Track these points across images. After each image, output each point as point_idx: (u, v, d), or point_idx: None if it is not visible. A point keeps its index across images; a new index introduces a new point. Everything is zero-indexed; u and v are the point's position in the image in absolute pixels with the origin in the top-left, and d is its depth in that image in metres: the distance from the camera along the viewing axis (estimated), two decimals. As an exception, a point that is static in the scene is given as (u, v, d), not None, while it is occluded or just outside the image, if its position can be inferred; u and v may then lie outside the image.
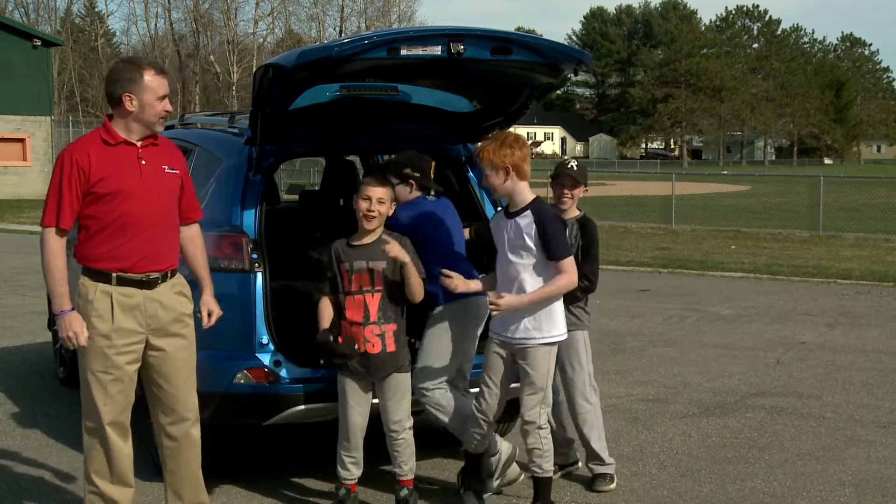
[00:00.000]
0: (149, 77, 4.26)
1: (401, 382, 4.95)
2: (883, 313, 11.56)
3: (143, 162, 4.30)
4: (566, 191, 5.35)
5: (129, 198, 4.23)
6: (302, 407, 5.11)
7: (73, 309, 4.24)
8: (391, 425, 4.96)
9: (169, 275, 4.40)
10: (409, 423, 4.99)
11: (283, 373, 5.12)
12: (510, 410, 5.54)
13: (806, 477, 5.70)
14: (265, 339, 5.13)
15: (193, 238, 4.59)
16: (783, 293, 13.15)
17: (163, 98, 4.30)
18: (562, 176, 5.38)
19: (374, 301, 4.80)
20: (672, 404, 7.37)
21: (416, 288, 4.81)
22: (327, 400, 5.14)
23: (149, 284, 4.32)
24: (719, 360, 8.88)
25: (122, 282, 4.28)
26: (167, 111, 4.32)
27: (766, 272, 15.30)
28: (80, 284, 4.32)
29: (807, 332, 10.31)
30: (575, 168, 5.41)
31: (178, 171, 4.44)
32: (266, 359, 5.11)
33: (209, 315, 4.56)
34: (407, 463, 5.02)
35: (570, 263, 4.72)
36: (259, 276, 5.15)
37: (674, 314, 11.32)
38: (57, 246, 4.23)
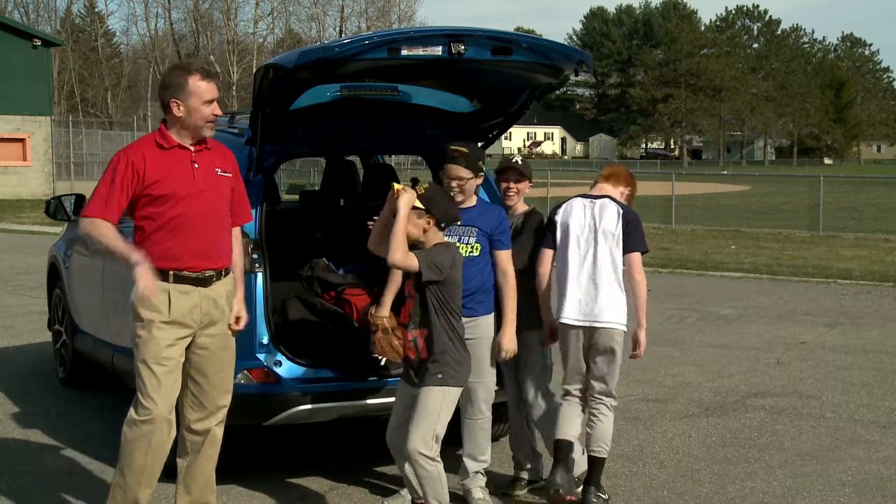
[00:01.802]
0: (194, 81, 4.33)
1: (422, 399, 4.56)
2: (883, 313, 11.55)
3: (197, 165, 4.40)
4: (511, 185, 5.40)
5: (182, 200, 4.33)
6: (303, 407, 5.11)
7: (145, 259, 4.25)
8: (406, 446, 4.55)
9: (223, 273, 4.50)
10: (425, 449, 4.49)
11: (284, 373, 5.12)
12: (505, 413, 5.56)
13: (806, 477, 5.70)
14: (266, 340, 5.14)
15: (236, 241, 4.69)
16: (783, 293, 13.15)
17: (210, 102, 4.35)
18: (507, 170, 5.43)
19: (410, 306, 4.72)
20: (672, 404, 7.37)
21: (393, 239, 4.47)
22: (328, 400, 5.15)
23: (204, 282, 4.42)
24: (719, 360, 8.88)
25: (179, 279, 4.37)
26: (216, 115, 4.38)
27: (766, 272, 15.30)
28: (136, 284, 4.36)
29: (807, 332, 10.31)
30: (520, 162, 5.46)
31: (230, 174, 4.52)
32: (267, 359, 5.11)
33: (237, 320, 4.61)
34: (423, 488, 4.57)
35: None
36: (259, 276, 5.16)
37: (674, 314, 11.32)
38: (102, 225, 4.28)
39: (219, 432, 4.61)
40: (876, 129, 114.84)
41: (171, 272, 4.36)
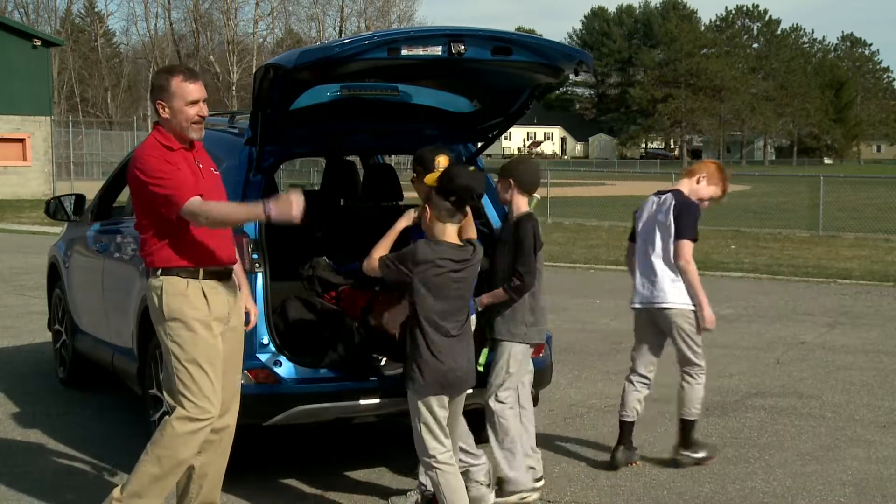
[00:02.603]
0: (177, 83, 4.34)
1: None
2: (883, 313, 11.55)
3: (200, 165, 4.45)
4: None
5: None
6: (303, 407, 5.10)
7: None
8: None
9: (235, 267, 4.59)
10: (422, 455, 4.54)
11: (284, 373, 5.12)
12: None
13: (806, 477, 5.70)
14: (266, 340, 5.13)
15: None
16: (783, 293, 13.15)
17: (193, 103, 4.34)
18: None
19: None
20: (672, 404, 7.34)
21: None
22: (328, 400, 5.14)
23: (227, 276, 4.51)
24: (719, 360, 8.87)
25: (209, 275, 4.43)
26: (201, 116, 4.37)
27: (766, 272, 15.30)
28: (167, 283, 4.38)
29: (807, 331, 10.30)
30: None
31: (219, 173, 4.60)
32: (267, 359, 5.11)
33: (247, 314, 4.69)
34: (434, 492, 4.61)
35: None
36: (259, 276, 5.16)
37: (674, 314, 11.30)
38: (201, 202, 4.24)
39: (233, 429, 4.64)
40: (876, 129, 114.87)
41: (201, 269, 4.40)
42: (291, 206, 4.13)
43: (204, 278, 4.41)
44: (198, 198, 4.26)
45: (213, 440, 4.55)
